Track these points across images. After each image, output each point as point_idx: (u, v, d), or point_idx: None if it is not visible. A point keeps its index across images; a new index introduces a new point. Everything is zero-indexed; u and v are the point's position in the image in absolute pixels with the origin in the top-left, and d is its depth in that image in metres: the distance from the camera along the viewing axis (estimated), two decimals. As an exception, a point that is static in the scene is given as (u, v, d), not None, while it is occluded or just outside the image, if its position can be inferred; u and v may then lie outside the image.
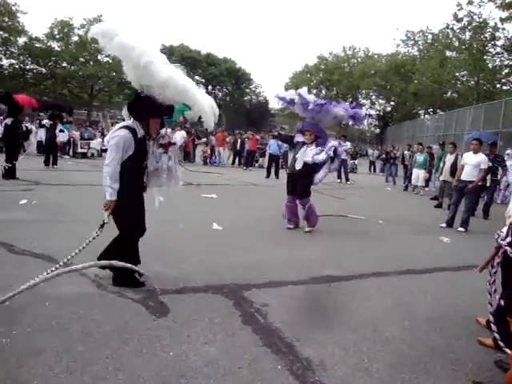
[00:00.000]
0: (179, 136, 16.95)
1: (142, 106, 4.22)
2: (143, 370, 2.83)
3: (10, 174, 11.26)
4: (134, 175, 4.18)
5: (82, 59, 45.97)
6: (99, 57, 46.78)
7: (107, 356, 2.98)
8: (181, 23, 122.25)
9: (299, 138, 7.73)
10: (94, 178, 12.86)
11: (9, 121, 11.76)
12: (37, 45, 44.14)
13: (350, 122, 7.99)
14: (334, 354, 3.26)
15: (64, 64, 45.94)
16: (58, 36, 45.08)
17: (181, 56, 54.15)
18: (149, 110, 4.23)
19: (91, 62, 46.15)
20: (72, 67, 45.71)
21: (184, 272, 4.87)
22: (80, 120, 32.64)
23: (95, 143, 21.26)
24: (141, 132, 4.19)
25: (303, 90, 7.56)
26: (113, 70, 46.63)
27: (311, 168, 7.42)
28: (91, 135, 21.63)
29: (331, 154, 7.39)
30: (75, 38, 45.65)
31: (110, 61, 46.82)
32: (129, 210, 4.20)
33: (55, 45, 45.68)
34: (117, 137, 4.00)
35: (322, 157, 7.32)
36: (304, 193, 7.58)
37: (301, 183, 7.51)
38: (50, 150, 15.36)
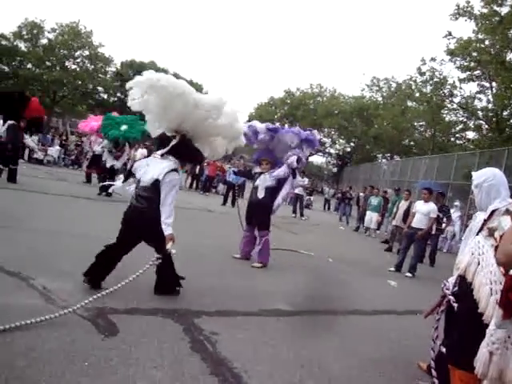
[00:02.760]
0: (139, 154, 16.80)
1: (190, 150, 4.94)
2: (88, 391, 2.78)
3: (12, 178, 11.56)
4: None
5: (48, 63, 45.03)
6: (67, 63, 46.05)
7: (50, 374, 2.90)
8: (153, 39, 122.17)
9: (257, 169, 7.77)
10: (48, 186, 12.59)
11: (10, 123, 11.59)
12: (2, 42, 43.03)
13: (304, 148, 7.94)
14: (280, 389, 3.30)
15: (29, 66, 44.90)
16: (26, 36, 44.10)
17: (149, 73, 53.93)
18: (194, 155, 5.09)
19: (57, 67, 45.30)
20: (37, 70, 44.69)
21: (136, 292, 4.80)
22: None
23: (53, 150, 20.78)
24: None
25: (254, 122, 7.67)
26: (79, 79, 45.98)
27: (272, 194, 7.43)
28: (49, 142, 21.13)
29: (294, 165, 7.37)
30: (44, 41, 44.82)
31: (78, 69, 46.26)
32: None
33: (22, 45, 44.67)
34: (175, 180, 4.65)
35: (283, 170, 7.33)
36: (264, 224, 7.52)
37: (261, 213, 7.50)
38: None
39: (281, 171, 7.37)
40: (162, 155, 4.81)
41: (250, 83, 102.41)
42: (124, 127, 12.78)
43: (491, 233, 3.13)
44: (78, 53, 46.39)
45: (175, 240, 4.59)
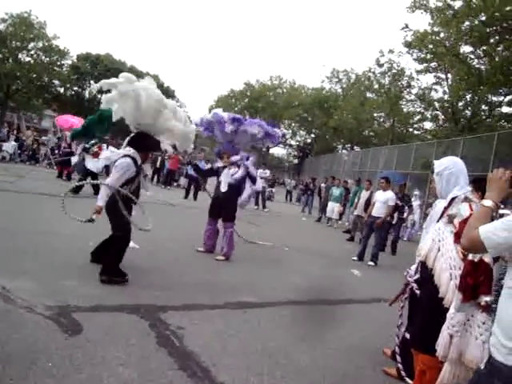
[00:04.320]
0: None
1: (144, 141, 5.47)
2: (53, 392, 2.71)
3: None
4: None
5: (-1, 55, 43.44)
6: (20, 55, 44.46)
7: (12, 377, 2.81)
8: (109, 31, 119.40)
9: (219, 164, 7.78)
10: (5, 184, 12.16)
11: None
12: None
13: (266, 142, 8.10)
14: (248, 381, 3.31)
15: (-22, 58, 43.15)
16: (-27, 27, 42.34)
17: (105, 66, 52.88)
18: (149, 145, 5.58)
19: (10, 60, 43.68)
20: (-13, 62, 42.99)
21: (99, 289, 4.72)
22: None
23: (8, 146, 20.08)
24: (139, 159, 5.36)
25: (217, 110, 7.73)
26: (33, 72, 44.47)
27: (236, 189, 7.48)
28: (4, 137, 20.43)
29: (249, 168, 7.59)
30: (-6, 32, 43.11)
31: (32, 61, 44.71)
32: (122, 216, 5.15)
33: (-30, 36, 42.83)
34: (122, 163, 5.11)
35: (240, 173, 7.42)
36: (230, 216, 7.55)
37: (227, 206, 7.49)
38: None
39: (239, 175, 7.44)
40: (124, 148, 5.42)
41: (209, 75, 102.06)
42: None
43: (451, 219, 3.22)
44: (31, 44, 44.76)
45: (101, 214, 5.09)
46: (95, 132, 12.48)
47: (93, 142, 12.56)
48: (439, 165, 3.52)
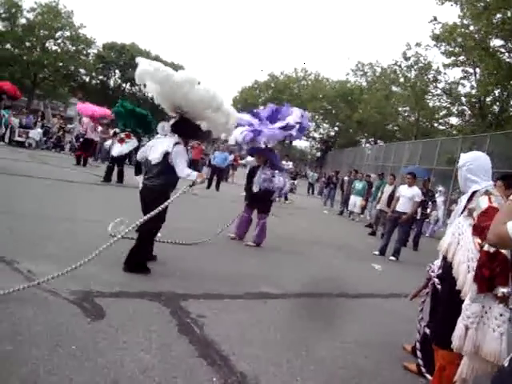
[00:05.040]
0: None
1: (189, 128, 5.41)
2: (76, 375, 2.75)
3: None
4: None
5: (28, 44, 44.01)
6: (47, 44, 45.07)
7: (37, 357, 2.87)
8: (134, 21, 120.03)
9: (248, 158, 8.23)
10: (31, 170, 12.40)
11: None
12: (-22, 20, 41.92)
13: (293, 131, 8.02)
14: (267, 371, 3.31)
15: (8, 46, 43.82)
16: (3, 15, 42.89)
17: (131, 55, 53.27)
18: (193, 132, 5.57)
19: (38, 48, 44.34)
20: (16, 50, 43.64)
21: (121, 276, 4.78)
22: (19, 107, 31.22)
23: (35, 133, 20.42)
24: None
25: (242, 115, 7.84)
26: (60, 60, 45.06)
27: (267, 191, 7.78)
28: (31, 124, 20.77)
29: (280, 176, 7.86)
30: (23, 21, 43.71)
31: (59, 50, 45.27)
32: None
33: (0, 24, 43.52)
34: (181, 150, 5.18)
35: (270, 180, 7.73)
36: (264, 209, 7.93)
37: (262, 201, 7.89)
38: None
39: (269, 183, 7.73)
40: (165, 135, 5.33)
41: (234, 66, 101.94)
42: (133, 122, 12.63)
43: (470, 213, 3.20)
44: (58, 33, 45.39)
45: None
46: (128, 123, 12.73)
47: (122, 128, 12.78)
48: (461, 160, 3.51)
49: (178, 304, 4.33)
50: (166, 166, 5.08)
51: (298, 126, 7.76)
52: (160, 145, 5.18)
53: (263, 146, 7.88)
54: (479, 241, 2.98)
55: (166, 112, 5.64)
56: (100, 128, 17.78)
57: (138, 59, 5.34)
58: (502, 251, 2.65)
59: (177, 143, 5.15)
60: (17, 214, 6.70)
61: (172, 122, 5.36)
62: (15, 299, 3.64)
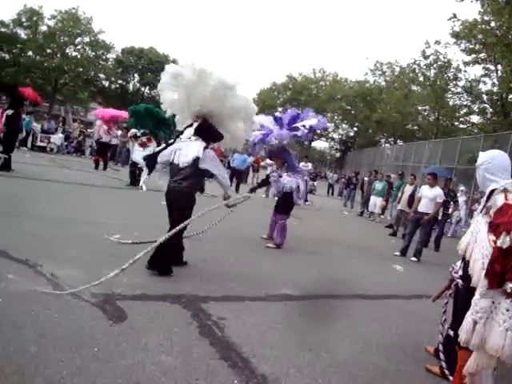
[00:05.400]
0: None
1: (212, 132, 5.45)
2: (99, 377, 2.79)
3: (6, 165, 11.30)
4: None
5: (48, 50, 44.80)
6: (67, 50, 45.78)
7: (61, 359, 2.92)
8: (152, 25, 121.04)
9: (268, 161, 8.34)
10: (52, 174, 12.60)
11: (9, 112, 11.55)
12: (2, 29, 42.75)
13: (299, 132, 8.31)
14: (288, 373, 3.30)
15: (29, 53, 44.68)
16: (25, 24, 43.75)
17: (149, 60, 53.82)
18: (215, 136, 5.55)
19: (58, 55, 45.06)
20: (37, 57, 44.46)
21: (142, 279, 4.81)
22: (41, 112, 31.77)
23: (56, 138, 20.76)
24: None
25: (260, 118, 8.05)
26: (80, 66, 45.72)
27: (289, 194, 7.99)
28: (52, 129, 21.10)
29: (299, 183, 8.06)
30: (44, 28, 44.52)
31: (79, 56, 45.95)
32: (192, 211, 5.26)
33: (22, 32, 44.37)
34: (213, 154, 5.40)
35: (290, 185, 7.95)
36: (283, 210, 8.11)
37: (282, 203, 8.15)
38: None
39: (288, 186, 7.97)
40: (189, 138, 5.35)
41: (251, 68, 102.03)
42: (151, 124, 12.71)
43: (487, 211, 3.17)
44: (78, 39, 46.13)
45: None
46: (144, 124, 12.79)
47: (143, 131, 12.82)
48: (479, 159, 3.48)
49: (199, 306, 4.34)
50: (194, 170, 5.16)
51: (303, 128, 7.98)
52: (188, 149, 5.21)
53: (276, 146, 8.19)
54: (493, 238, 2.94)
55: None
56: (119, 132, 18.01)
57: (167, 67, 5.54)
58: None
59: (205, 147, 5.26)
60: (39, 218, 6.81)
61: (195, 125, 5.39)
62: (38, 302, 3.70)
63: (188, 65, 5.29)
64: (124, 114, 16.54)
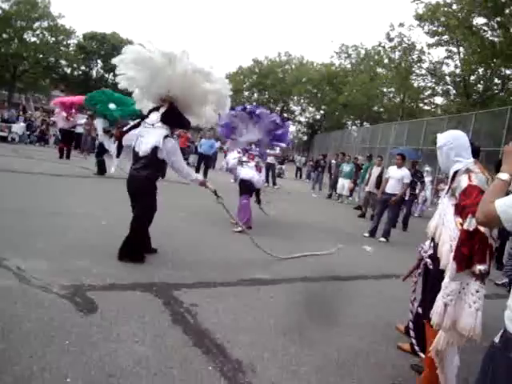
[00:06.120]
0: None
1: (178, 118, 5.30)
2: (71, 370, 2.73)
3: None
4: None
5: (4, 35, 43.02)
6: (25, 35, 44.16)
7: (31, 355, 2.84)
8: (114, 10, 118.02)
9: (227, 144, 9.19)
10: (14, 164, 12.23)
11: None
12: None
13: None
14: (263, 357, 3.32)
15: (-16, 38, 42.90)
16: (-23, 7, 41.93)
17: (112, 45, 52.55)
18: (183, 122, 5.43)
19: (15, 40, 43.43)
20: (-8, 42, 42.70)
21: (111, 268, 4.73)
22: (0, 101, 30.72)
23: (17, 127, 20.13)
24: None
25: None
26: (40, 52, 44.25)
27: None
28: (13, 117, 20.45)
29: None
30: (-2, 12, 42.79)
31: (38, 41, 44.42)
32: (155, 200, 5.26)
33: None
34: (174, 144, 5.17)
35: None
36: (244, 191, 8.29)
37: (242, 185, 8.37)
38: None
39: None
40: (153, 124, 5.12)
41: (217, 52, 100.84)
42: (112, 105, 12.43)
43: (453, 193, 3.21)
44: (36, 24, 44.49)
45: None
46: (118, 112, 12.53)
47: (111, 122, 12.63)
48: (441, 139, 3.47)
49: (171, 294, 4.31)
50: (154, 159, 5.04)
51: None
52: (149, 137, 5.06)
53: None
54: (460, 220, 2.99)
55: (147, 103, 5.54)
56: (83, 119, 17.64)
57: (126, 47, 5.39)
58: (481, 229, 2.68)
59: (166, 136, 5.06)
60: (2, 210, 6.61)
61: (162, 111, 5.20)
62: (4, 297, 3.60)
63: (155, 48, 5.13)
64: (78, 98, 16.22)
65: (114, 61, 5.35)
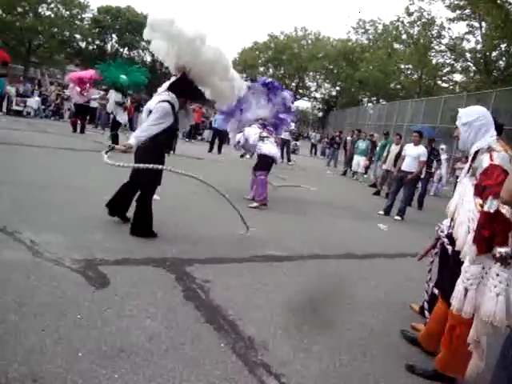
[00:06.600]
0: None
1: (187, 86, 5.12)
2: (82, 344, 2.72)
3: None
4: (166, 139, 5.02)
5: (19, 9, 42.83)
6: (40, 9, 43.95)
7: (44, 328, 2.84)
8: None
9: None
10: (29, 139, 12.26)
11: None
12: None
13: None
14: (275, 334, 3.29)
15: (-1, 12, 42.78)
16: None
17: (127, 19, 52.11)
18: (191, 91, 5.23)
19: (30, 14, 43.26)
20: (8, 17, 42.56)
21: (124, 243, 4.72)
22: (16, 75, 30.75)
23: (32, 101, 20.15)
24: (177, 105, 5.02)
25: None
26: (54, 26, 44.06)
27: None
28: (28, 92, 20.46)
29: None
30: (13, -15, 42.49)
31: (52, 15, 44.23)
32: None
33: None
34: (162, 107, 4.81)
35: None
36: (261, 166, 8.14)
37: (260, 161, 8.22)
38: None
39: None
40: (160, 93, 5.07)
41: (232, 27, 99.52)
42: (123, 76, 12.50)
43: (473, 172, 3.10)
44: (50, -3, 44.24)
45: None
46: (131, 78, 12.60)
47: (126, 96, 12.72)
48: (468, 114, 3.29)
49: (183, 269, 4.29)
50: None
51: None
52: (150, 102, 5.05)
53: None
54: (480, 201, 2.88)
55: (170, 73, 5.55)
56: (97, 93, 17.63)
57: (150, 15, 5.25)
58: (503, 211, 2.58)
59: (162, 101, 4.89)
60: (17, 184, 6.62)
61: (172, 79, 5.16)
62: (18, 270, 3.60)
63: (163, 18, 5.09)
64: (91, 72, 16.23)
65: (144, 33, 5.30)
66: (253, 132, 8.14)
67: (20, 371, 2.41)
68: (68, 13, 45.97)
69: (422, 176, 11.33)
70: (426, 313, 3.79)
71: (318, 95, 59.81)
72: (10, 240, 4.27)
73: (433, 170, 12.51)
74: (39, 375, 2.39)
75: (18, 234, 4.44)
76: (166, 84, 5.19)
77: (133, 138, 4.72)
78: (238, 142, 8.41)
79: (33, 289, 3.34)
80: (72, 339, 2.76)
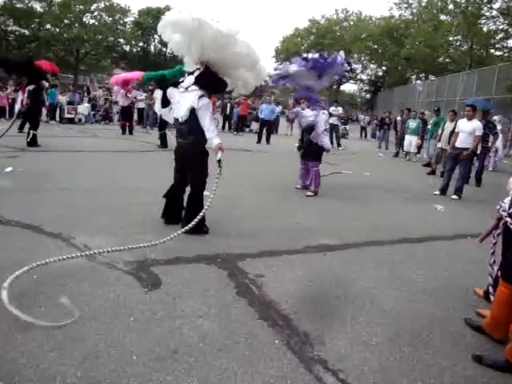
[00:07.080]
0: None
1: (214, 80, 5.08)
2: (136, 347, 2.72)
3: (34, 141, 11.37)
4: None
5: (66, 21, 44.50)
6: (84, 18, 45.43)
7: (98, 332, 2.87)
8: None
9: (299, 108, 8.25)
10: (81, 144, 12.64)
11: (31, 87, 11.27)
12: (17, 5, 42.49)
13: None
14: (331, 328, 3.18)
15: (48, 26, 44.47)
16: (39, -3, 43.39)
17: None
18: (218, 85, 5.21)
19: (76, 25, 44.78)
20: (56, 29, 44.23)
21: (174, 242, 4.70)
22: (66, 84, 31.84)
23: (82, 108, 20.79)
24: None
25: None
26: (99, 33, 45.41)
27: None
28: (78, 100, 21.12)
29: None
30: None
31: (96, 23, 45.58)
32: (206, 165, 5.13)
33: (37, 6, 44.09)
34: (207, 103, 4.91)
35: (311, 118, 7.95)
36: (314, 155, 8.07)
37: (308, 147, 8.09)
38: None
39: (310, 118, 7.96)
40: (187, 88, 4.99)
41: (273, 16, 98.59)
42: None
43: None
44: (93, 6, 45.62)
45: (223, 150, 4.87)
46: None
47: None
48: None
49: (235, 265, 4.25)
50: (195, 123, 4.88)
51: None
52: (184, 101, 4.95)
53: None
54: None
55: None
56: (143, 94, 17.94)
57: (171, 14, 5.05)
58: None
59: (201, 96, 4.90)
60: (71, 189, 6.81)
61: (196, 73, 5.04)
62: (73, 275, 3.66)
63: (186, 13, 4.90)
64: (137, 74, 16.42)
65: (158, 28, 5.11)
66: (323, 121, 7.95)
67: (77, 375, 2.43)
68: (111, 19, 47.26)
69: (479, 152, 10.80)
70: (492, 297, 3.56)
71: (364, 77, 58.59)
72: (64, 246, 4.37)
73: (489, 144, 11.87)
74: (96, 379, 2.41)
75: (72, 240, 4.55)
76: (191, 78, 5.05)
77: (216, 138, 4.86)
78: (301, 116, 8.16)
79: (87, 293, 3.39)
80: (125, 342, 2.77)
